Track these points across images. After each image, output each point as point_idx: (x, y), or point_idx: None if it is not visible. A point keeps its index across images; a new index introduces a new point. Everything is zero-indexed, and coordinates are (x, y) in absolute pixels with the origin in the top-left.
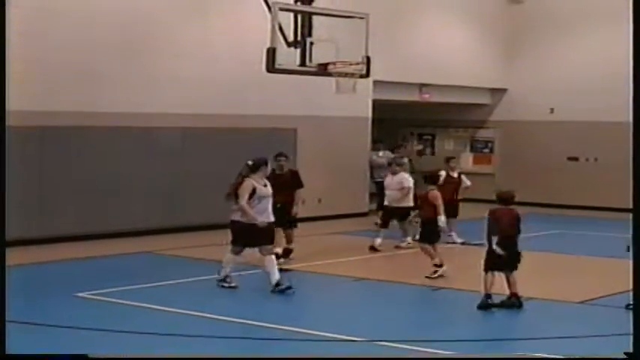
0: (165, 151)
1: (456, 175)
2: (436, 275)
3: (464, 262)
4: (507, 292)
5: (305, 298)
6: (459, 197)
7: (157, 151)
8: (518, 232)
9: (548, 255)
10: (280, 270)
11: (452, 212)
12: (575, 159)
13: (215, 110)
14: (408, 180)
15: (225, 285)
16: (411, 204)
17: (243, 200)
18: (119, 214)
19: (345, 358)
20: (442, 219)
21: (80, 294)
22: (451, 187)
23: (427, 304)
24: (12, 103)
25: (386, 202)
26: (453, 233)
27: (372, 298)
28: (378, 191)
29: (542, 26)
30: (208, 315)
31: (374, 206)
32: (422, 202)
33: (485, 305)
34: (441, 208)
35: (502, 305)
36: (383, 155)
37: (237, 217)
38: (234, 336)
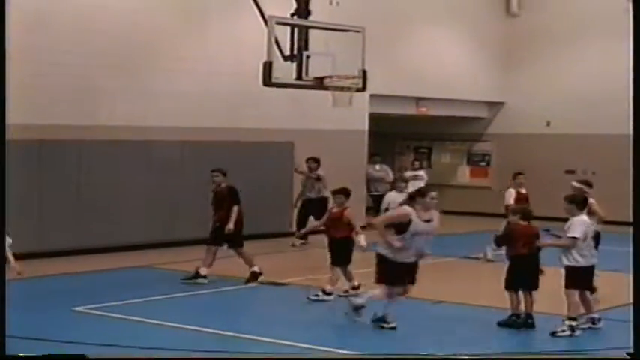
0: (163, 164)
1: (524, 191)
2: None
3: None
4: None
5: (297, 311)
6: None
7: (154, 164)
8: (538, 249)
9: (546, 269)
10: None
11: None
12: (572, 172)
13: (212, 124)
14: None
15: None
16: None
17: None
18: (117, 227)
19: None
20: (363, 237)
21: (78, 308)
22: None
23: (428, 319)
24: (10, 117)
25: None
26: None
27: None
28: (374, 205)
29: (538, 40)
30: (206, 329)
31: (371, 220)
32: (334, 220)
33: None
34: (359, 227)
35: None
36: (380, 169)
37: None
38: (231, 350)
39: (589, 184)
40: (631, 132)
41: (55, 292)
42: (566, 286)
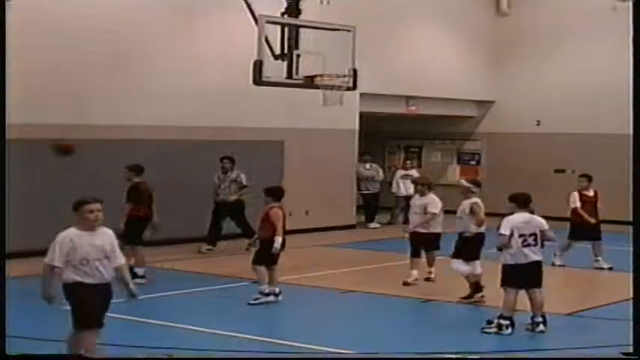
0: (151, 163)
1: (591, 193)
2: (258, 302)
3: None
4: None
5: (291, 310)
6: (599, 218)
7: (143, 163)
8: (541, 246)
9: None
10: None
11: (594, 234)
12: (562, 171)
13: (202, 122)
14: (435, 203)
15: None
16: (439, 230)
17: None
18: (108, 226)
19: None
20: (278, 240)
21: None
22: (589, 207)
23: (416, 316)
24: None
25: (410, 227)
26: (600, 258)
27: (359, 310)
28: (365, 203)
29: (528, 39)
30: (195, 328)
31: (362, 218)
32: (261, 220)
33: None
34: (280, 229)
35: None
36: (370, 168)
37: None
38: (222, 349)
39: (477, 184)
40: (631, 132)
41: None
42: (501, 285)
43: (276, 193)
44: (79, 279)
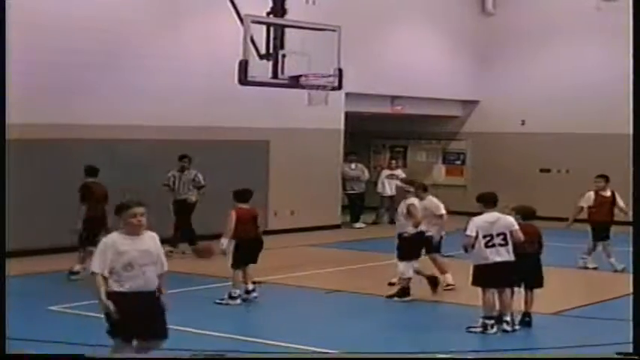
0: (137, 163)
1: (608, 193)
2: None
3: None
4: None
5: (277, 310)
6: (613, 218)
7: (129, 163)
8: (540, 247)
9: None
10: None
11: (604, 234)
12: (547, 170)
13: (187, 122)
14: (438, 207)
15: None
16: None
17: None
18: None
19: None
20: (223, 242)
21: (53, 307)
22: (606, 208)
23: (400, 317)
24: None
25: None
26: (612, 258)
27: (344, 310)
28: (350, 203)
29: (513, 39)
30: (176, 327)
31: (347, 218)
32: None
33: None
34: (229, 230)
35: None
36: (356, 167)
37: None
38: (205, 349)
39: (413, 184)
40: (631, 131)
41: (30, 292)
42: (471, 283)
43: (237, 195)
44: (117, 288)
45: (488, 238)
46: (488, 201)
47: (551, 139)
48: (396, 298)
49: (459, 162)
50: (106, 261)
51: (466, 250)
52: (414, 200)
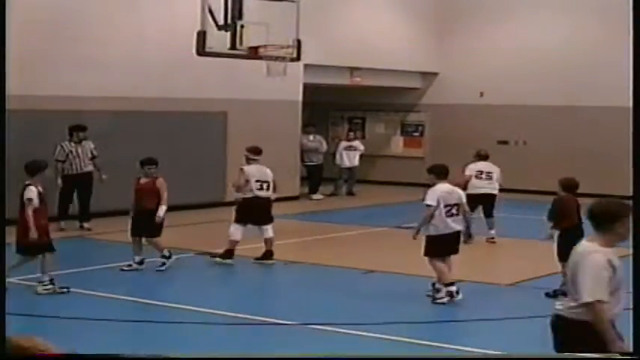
0: (94, 134)
1: None
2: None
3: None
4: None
5: (237, 282)
6: None
7: (86, 134)
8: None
9: (477, 238)
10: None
11: None
12: (505, 142)
13: (145, 94)
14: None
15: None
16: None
17: None
18: (49, 198)
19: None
20: (163, 209)
21: (9, 280)
22: None
23: (359, 287)
24: None
25: None
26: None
27: (303, 281)
28: (309, 175)
29: (472, 10)
30: (140, 300)
31: (305, 190)
32: (145, 190)
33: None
34: (165, 199)
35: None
36: (314, 139)
37: None
38: (171, 321)
39: (257, 151)
40: (631, 129)
41: None
42: (425, 254)
43: (156, 162)
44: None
45: (449, 207)
46: (441, 172)
47: (509, 111)
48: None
49: (417, 134)
50: (605, 285)
51: (426, 221)
52: (244, 165)
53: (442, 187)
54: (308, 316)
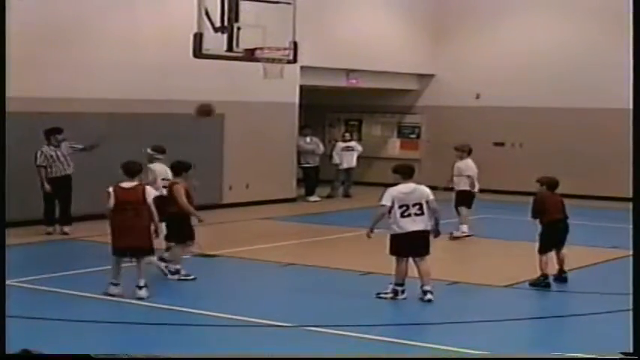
0: (92, 136)
1: None
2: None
3: None
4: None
5: (232, 283)
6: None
7: (83, 136)
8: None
9: (474, 239)
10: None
11: None
12: (501, 144)
13: (142, 96)
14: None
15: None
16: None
17: None
18: (33, 203)
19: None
20: (195, 215)
21: (8, 282)
22: None
23: (355, 289)
24: None
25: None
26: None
27: (300, 283)
28: (305, 177)
29: (468, 13)
30: (136, 302)
31: (302, 192)
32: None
33: (544, 284)
34: (184, 203)
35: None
36: (310, 141)
37: None
38: (165, 323)
39: (161, 150)
40: (631, 128)
41: None
42: (389, 252)
43: (173, 168)
44: None
45: (404, 208)
46: (405, 172)
47: (505, 113)
48: None
49: (413, 135)
50: None
51: (377, 220)
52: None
53: (400, 188)
54: (304, 319)
